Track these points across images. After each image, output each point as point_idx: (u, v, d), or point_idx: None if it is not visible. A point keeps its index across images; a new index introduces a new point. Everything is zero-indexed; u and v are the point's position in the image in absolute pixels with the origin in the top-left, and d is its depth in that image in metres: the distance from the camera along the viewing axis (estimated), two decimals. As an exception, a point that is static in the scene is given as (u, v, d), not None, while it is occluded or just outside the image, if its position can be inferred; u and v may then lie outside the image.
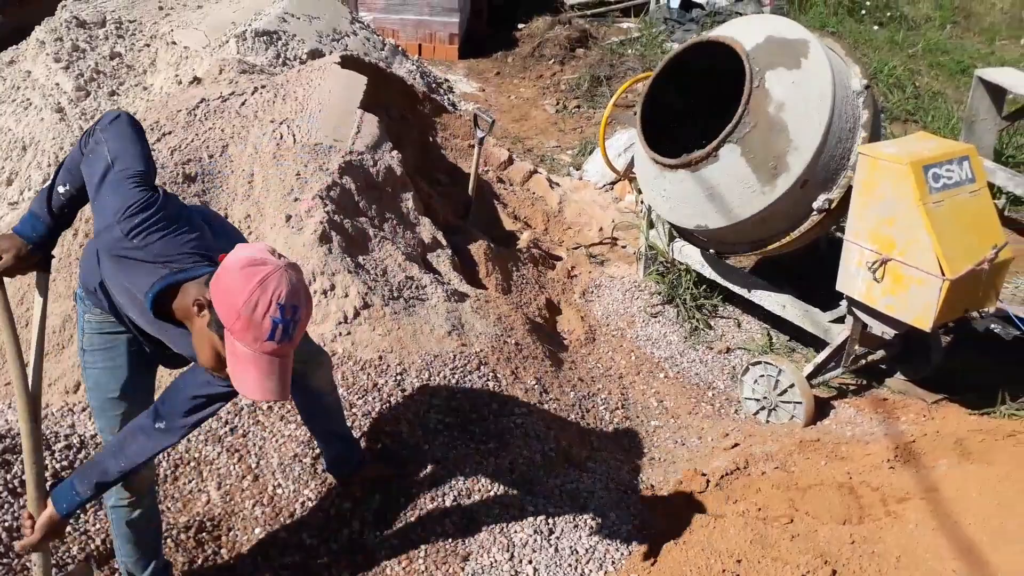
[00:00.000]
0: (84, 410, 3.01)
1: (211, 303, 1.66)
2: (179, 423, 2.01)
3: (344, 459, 2.85)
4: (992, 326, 4.35)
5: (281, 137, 4.08)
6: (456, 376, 3.36)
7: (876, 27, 10.24)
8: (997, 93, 5.85)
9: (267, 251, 1.68)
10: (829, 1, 10.62)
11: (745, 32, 3.83)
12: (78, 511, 2.07)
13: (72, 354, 3.21)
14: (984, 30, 10.20)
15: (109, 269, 1.91)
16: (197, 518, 2.70)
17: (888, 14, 10.51)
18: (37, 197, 2.04)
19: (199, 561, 2.62)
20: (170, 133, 4.11)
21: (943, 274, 3.21)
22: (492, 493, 2.94)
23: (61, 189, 2.00)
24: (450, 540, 2.75)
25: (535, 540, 2.78)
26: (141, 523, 2.35)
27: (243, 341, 1.62)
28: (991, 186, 5.70)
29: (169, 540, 2.62)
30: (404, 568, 2.66)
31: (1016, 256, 3.70)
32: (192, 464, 2.84)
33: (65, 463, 2.76)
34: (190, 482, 2.79)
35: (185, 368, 2.14)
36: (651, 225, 4.73)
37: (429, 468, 2.95)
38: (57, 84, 5.55)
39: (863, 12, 10.56)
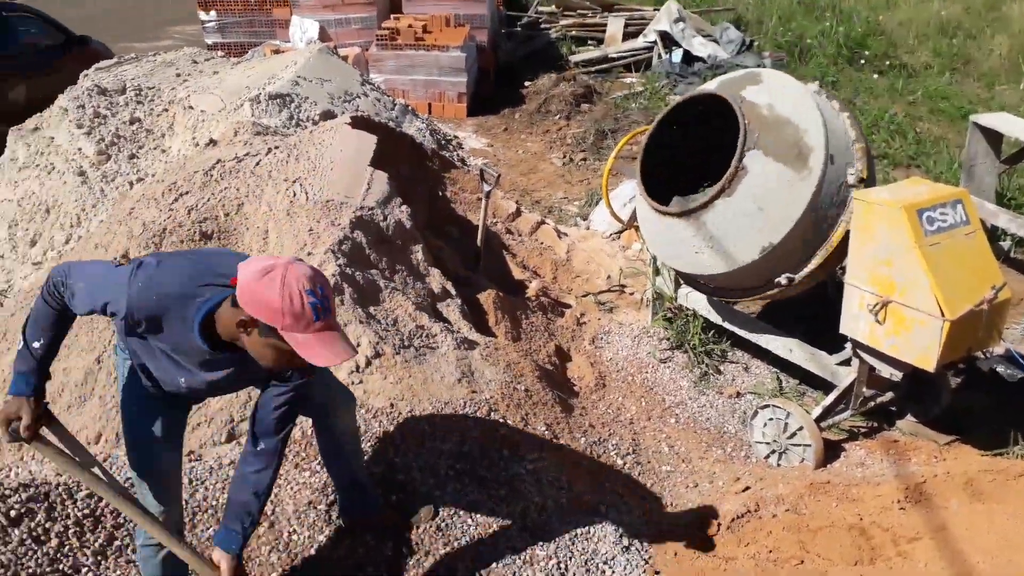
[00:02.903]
0: (106, 460, 3.08)
1: (252, 319, 1.88)
2: (276, 436, 2.30)
3: (359, 505, 2.90)
4: (997, 367, 4.37)
5: (294, 195, 4.22)
6: (467, 423, 3.41)
7: (876, 75, 10.45)
8: (993, 137, 5.96)
9: (268, 258, 1.92)
10: (828, 52, 10.86)
11: (740, 86, 3.95)
12: (241, 545, 2.31)
13: (93, 407, 3.29)
14: (983, 75, 10.38)
15: (144, 346, 2.14)
16: (213, 567, 2.73)
17: (888, 62, 10.74)
18: (17, 360, 2.20)
19: (215, 609, 2.65)
20: (187, 193, 4.26)
21: (943, 315, 3.26)
22: (504, 539, 2.97)
23: (36, 345, 2.19)
24: (462, 586, 2.77)
25: (547, 585, 2.80)
26: (167, 565, 2.43)
27: (297, 331, 1.86)
28: (995, 229, 5.78)
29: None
30: (417, 614, 2.68)
31: (1019, 297, 3.75)
32: (210, 511, 2.89)
33: (87, 511, 2.82)
34: (207, 528, 2.84)
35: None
36: (657, 272, 4.81)
37: (441, 515, 2.99)
38: (79, 149, 5.76)
39: (863, 61, 10.79)
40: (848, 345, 3.88)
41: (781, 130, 3.74)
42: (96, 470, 2.27)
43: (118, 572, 2.68)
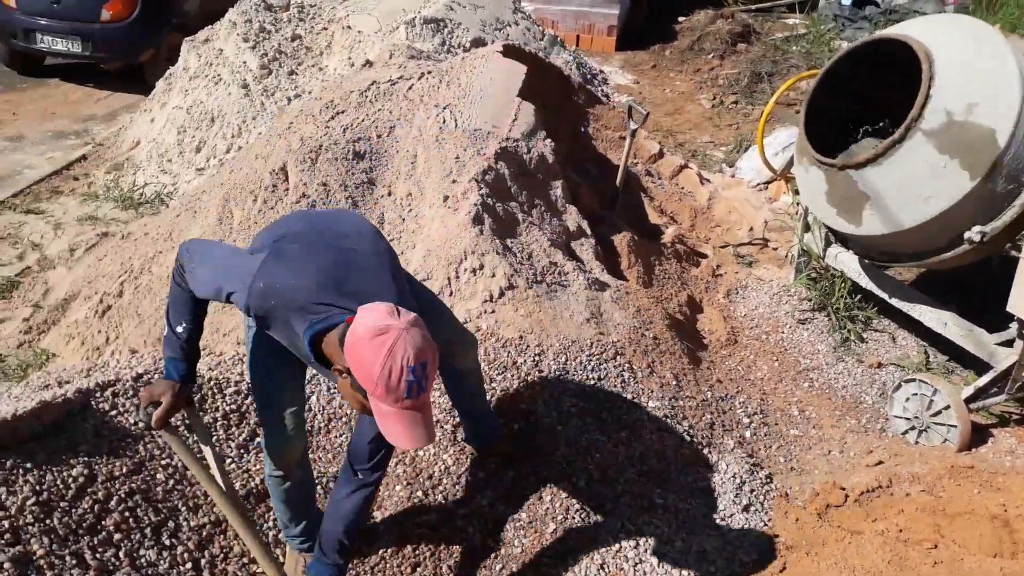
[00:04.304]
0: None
1: (348, 370, 1.81)
2: (371, 466, 2.26)
3: (481, 435, 2.98)
4: None
5: (444, 121, 4.26)
6: (592, 363, 3.42)
7: (1078, 30, 9.32)
8: None
9: (389, 314, 1.79)
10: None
11: (926, 32, 3.63)
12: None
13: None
14: None
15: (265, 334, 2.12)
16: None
17: (1094, 16, 9.53)
18: (165, 345, 2.22)
19: (344, 510, 2.82)
20: (343, 112, 4.39)
21: None
22: (622, 481, 2.98)
23: (179, 329, 2.17)
24: (577, 522, 2.81)
25: (662, 533, 2.80)
26: (292, 491, 2.55)
27: (385, 403, 1.78)
28: None
29: (319, 488, 2.83)
30: (531, 542, 2.75)
31: None
32: (344, 419, 3.05)
33: (234, 406, 3.04)
34: (340, 435, 3.01)
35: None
36: (807, 228, 4.57)
37: (561, 450, 3.03)
38: (244, 62, 6.03)
39: (1063, 13, 9.63)
40: (1013, 325, 3.58)
41: (969, 81, 3.41)
42: (215, 471, 2.35)
43: (257, 466, 2.89)
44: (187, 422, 2.64)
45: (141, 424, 2.32)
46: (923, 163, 3.46)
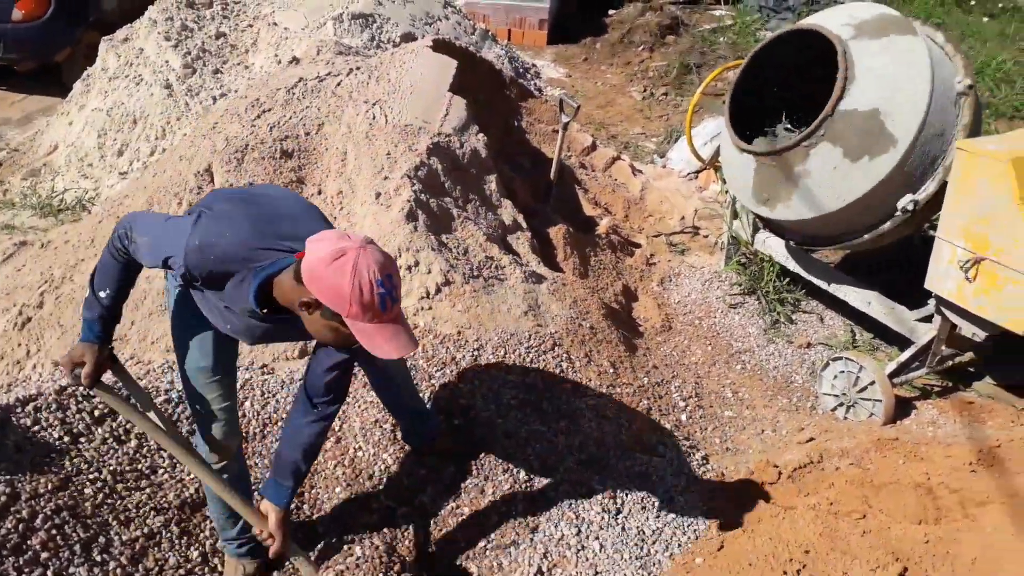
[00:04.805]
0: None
1: (315, 300, 1.82)
2: (329, 399, 2.27)
3: (417, 431, 2.96)
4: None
5: (374, 117, 4.22)
6: (531, 355, 3.44)
7: (986, 19, 9.75)
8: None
9: (340, 238, 1.80)
10: (936, -10, 10.16)
11: (841, 21, 3.74)
12: (289, 499, 2.34)
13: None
14: (1107, 21, 9.57)
15: (197, 292, 2.11)
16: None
17: (1000, 5, 9.99)
18: (85, 307, 2.20)
19: (283, 514, 2.78)
20: (270, 110, 4.31)
21: (1041, 276, 3.09)
22: (561, 470, 3.01)
23: (102, 295, 2.17)
24: (519, 512, 2.83)
25: (602, 518, 2.84)
26: (230, 486, 2.48)
27: (362, 320, 1.79)
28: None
29: (256, 494, 2.78)
30: (474, 534, 2.76)
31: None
32: (280, 424, 3.00)
33: (165, 415, 2.96)
34: (276, 440, 2.96)
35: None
36: (735, 215, 4.68)
37: (501, 442, 3.04)
38: (166, 61, 5.86)
39: (972, 2, 10.06)
40: (931, 301, 3.73)
41: (884, 71, 3.54)
42: (153, 415, 2.31)
43: (191, 475, 2.83)
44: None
45: (72, 388, 2.24)
46: (843, 148, 3.57)
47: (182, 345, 2.35)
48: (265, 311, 2.01)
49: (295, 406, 2.33)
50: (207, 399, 2.37)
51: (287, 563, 2.63)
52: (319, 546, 2.69)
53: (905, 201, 3.62)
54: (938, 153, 3.58)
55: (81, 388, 2.20)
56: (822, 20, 3.86)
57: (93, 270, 2.21)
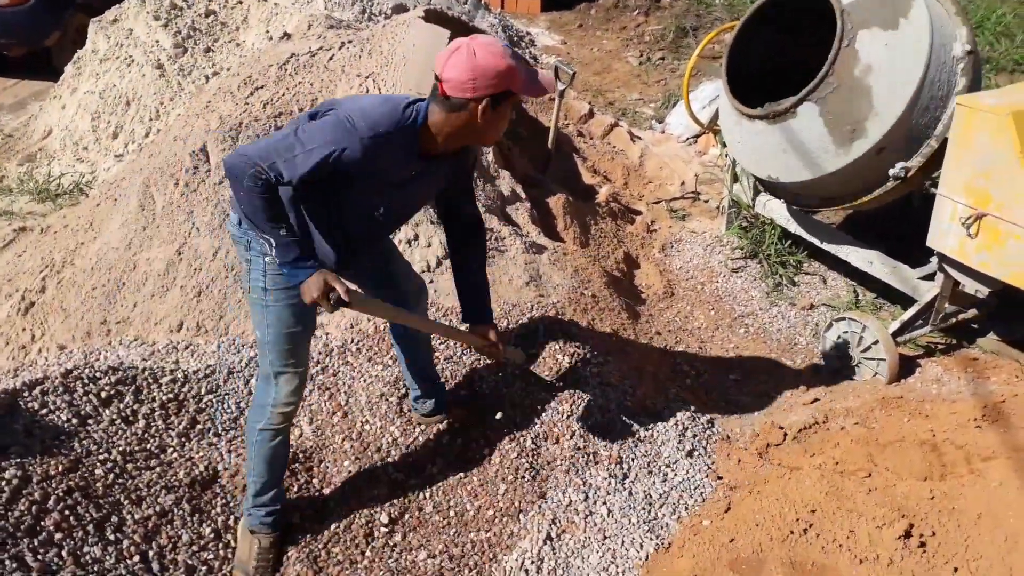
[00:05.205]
0: (187, 347, 3.23)
1: (485, 101, 2.08)
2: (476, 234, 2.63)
3: (429, 400, 2.98)
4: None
5: (367, 91, 4.18)
6: (534, 325, 3.44)
7: (985, -30, 9.59)
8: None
9: (449, 45, 2.10)
10: (934, -57, 9.97)
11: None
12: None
13: (175, 296, 3.42)
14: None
15: (325, 198, 2.27)
16: (291, 450, 2.87)
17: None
18: (280, 255, 2.17)
19: (294, 489, 2.80)
20: (262, 87, 4.27)
21: (1043, 229, 3.08)
22: (568, 437, 3.02)
23: (282, 232, 2.16)
24: (527, 480, 2.85)
25: (609, 483, 2.86)
26: (279, 449, 2.54)
27: (522, 81, 2.11)
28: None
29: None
30: (484, 503, 2.78)
31: None
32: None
33: (171, 395, 2.98)
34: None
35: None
36: (735, 179, 4.65)
37: (507, 412, 3.05)
38: (157, 41, 5.80)
39: (972, -46, 9.90)
40: (933, 259, 3.72)
41: (882, 31, 3.49)
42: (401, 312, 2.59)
43: (200, 453, 2.85)
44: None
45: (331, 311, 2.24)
46: (840, 110, 3.54)
47: (276, 308, 2.36)
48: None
49: (460, 259, 2.64)
50: (300, 348, 2.48)
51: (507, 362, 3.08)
52: (330, 520, 2.71)
53: (897, 169, 3.60)
54: (937, 115, 3.55)
55: (345, 307, 2.24)
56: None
57: (254, 225, 2.18)
